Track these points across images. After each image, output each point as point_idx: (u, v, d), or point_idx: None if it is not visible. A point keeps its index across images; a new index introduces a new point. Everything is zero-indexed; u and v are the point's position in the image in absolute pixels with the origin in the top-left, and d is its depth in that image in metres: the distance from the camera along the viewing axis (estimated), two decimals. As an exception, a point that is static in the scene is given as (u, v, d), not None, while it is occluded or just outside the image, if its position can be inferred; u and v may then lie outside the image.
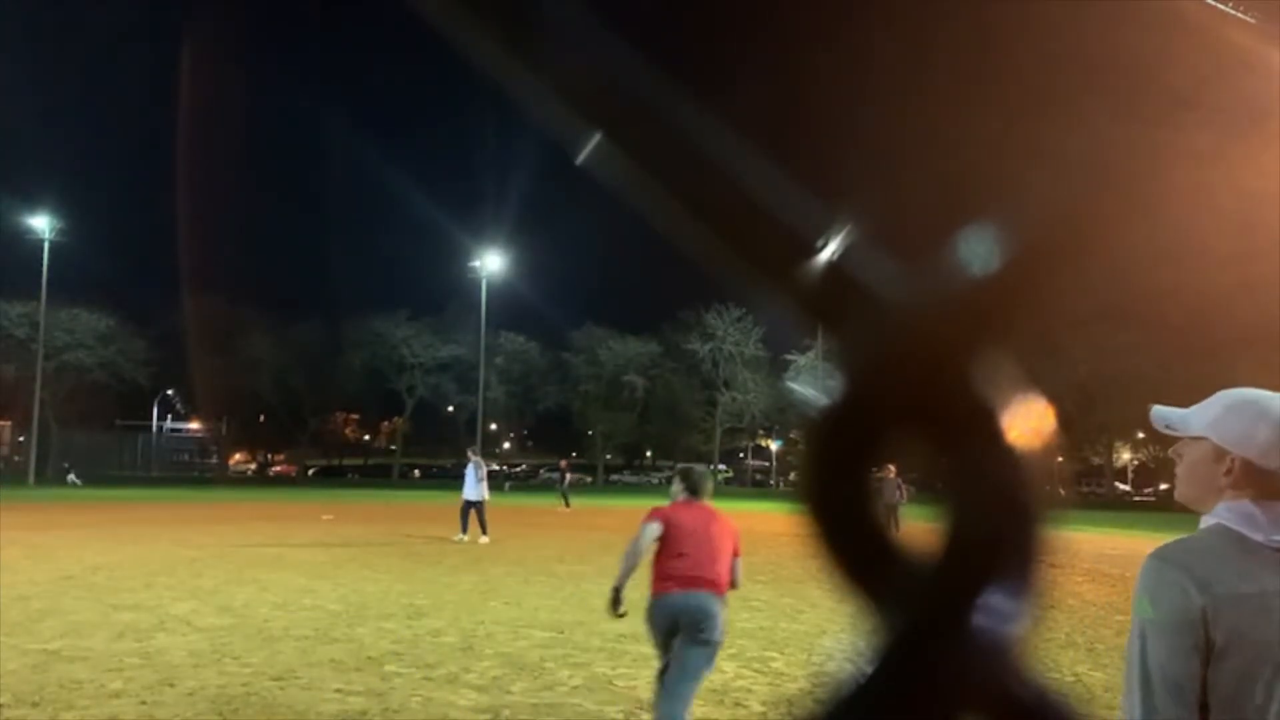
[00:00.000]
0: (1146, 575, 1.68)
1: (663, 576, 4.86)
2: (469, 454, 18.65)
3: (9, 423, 59.69)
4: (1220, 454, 1.68)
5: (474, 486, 17.69)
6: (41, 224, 48.85)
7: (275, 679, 6.73)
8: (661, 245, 0.49)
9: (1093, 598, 12.18)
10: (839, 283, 0.40)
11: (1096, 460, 62.42)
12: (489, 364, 57.60)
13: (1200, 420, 1.73)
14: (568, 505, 30.16)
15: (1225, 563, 1.60)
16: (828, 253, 0.41)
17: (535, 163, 68.07)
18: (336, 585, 11.48)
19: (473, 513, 17.63)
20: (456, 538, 17.51)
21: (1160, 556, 1.67)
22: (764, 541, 18.02)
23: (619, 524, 24.46)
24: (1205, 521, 1.70)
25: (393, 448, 70.13)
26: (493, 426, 71.71)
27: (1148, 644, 1.65)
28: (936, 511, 0.39)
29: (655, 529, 4.92)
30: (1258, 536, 1.61)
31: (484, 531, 17.54)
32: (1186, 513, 1.77)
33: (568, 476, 34.03)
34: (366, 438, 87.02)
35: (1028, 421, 0.39)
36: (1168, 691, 1.60)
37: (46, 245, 48.82)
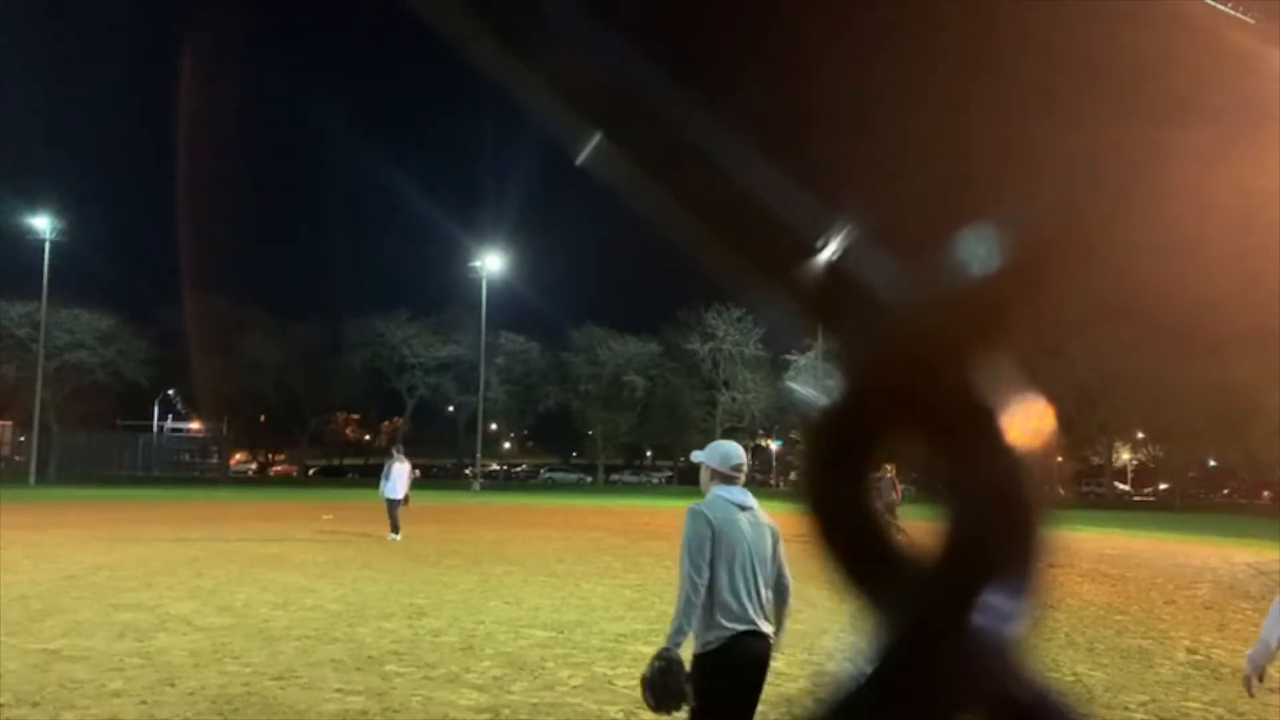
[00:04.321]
0: (690, 514, 3.84)
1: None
2: (394, 451, 18.68)
3: (10, 423, 59.59)
4: (709, 469, 4.03)
5: (392, 484, 17.78)
6: (43, 224, 48.78)
7: (276, 679, 6.73)
8: (661, 245, 0.49)
9: (1093, 598, 12.18)
10: (839, 283, 0.40)
11: (1096, 460, 62.40)
12: (489, 364, 57.54)
13: (701, 455, 4.10)
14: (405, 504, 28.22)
15: (720, 508, 3.86)
16: (828, 253, 0.41)
17: (535, 163, 68.02)
18: (337, 585, 11.48)
19: (391, 508, 17.75)
20: (390, 537, 17.61)
21: (694, 507, 3.87)
22: (764, 541, 17.99)
23: (619, 524, 24.47)
24: (708, 496, 3.95)
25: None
26: (493, 426, 71.67)
27: (689, 539, 3.79)
28: (936, 511, 0.39)
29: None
30: (730, 498, 3.91)
31: (394, 530, 17.62)
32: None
33: (417, 472, 30.83)
34: (367, 438, 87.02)
35: (1027, 421, 0.39)
36: (695, 558, 3.76)
37: (47, 245, 48.78)
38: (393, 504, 17.75)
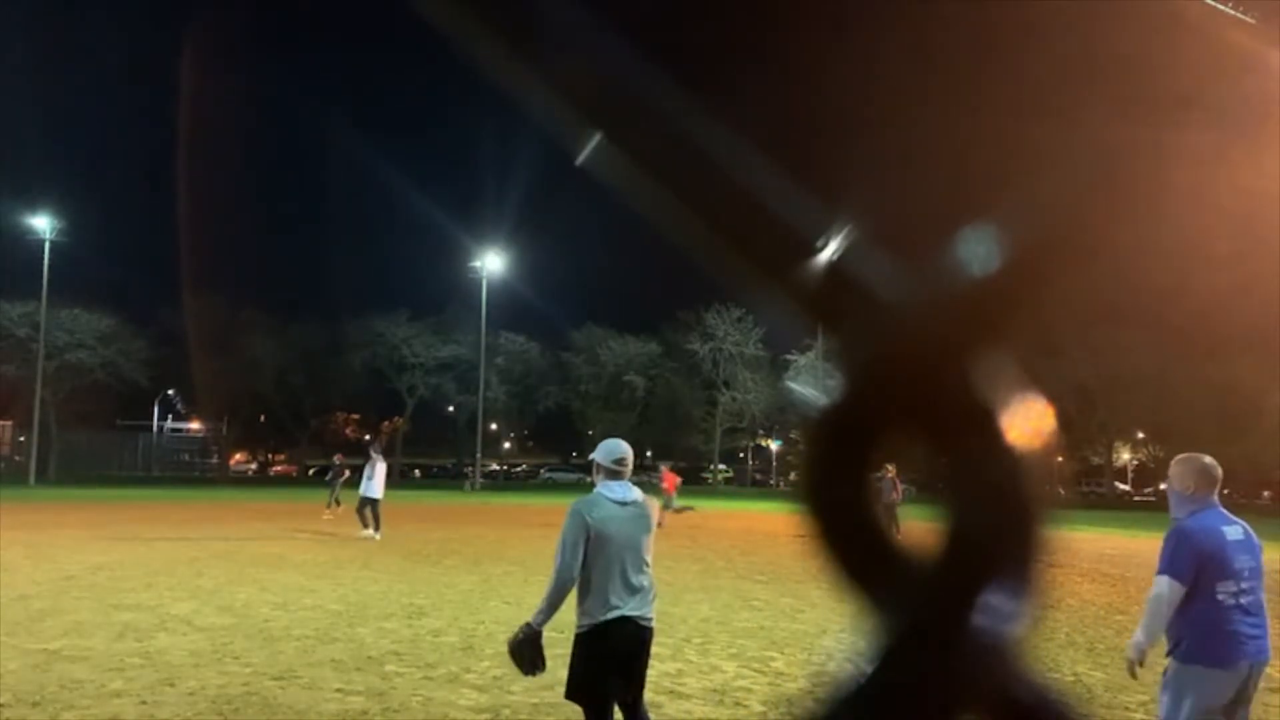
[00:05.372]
0: (570, 512, 4.25)
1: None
2: (370, 451, 18.90)
3: (10, 423, 59.54)
4: (597, 464, 4.41)
5: (368, 483, 18.01)
6: (42, 224, 48.76)
7: (276, 679, 6.73)
8: (661, 245, 0.49)
9: (1093, 598, 12.18)
10: (839, 283, 0.40)
11: (1096, 460, 62.37)
12: (489, 364, 57.51)
13: (596, 454, 4.46)
14: (332, 506, 25.03)
15: (599, 506, 4.25)
16: (828, 253, 0.41)
17: (535, 163, 67.85)
18: (337, 585, 11.48)
19: (370, 508, 17.97)
20: (362, 534, 17.68)
21: (575, 505, 4.28)
22: (764, 541, 18.06)
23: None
24: (592, 491, 4.36)
25: (388, 446, 70.08)
26: (493, 426, 71.63)
27: (565, 534, 4.21)
28: (936, 511, 0.39)
29: None
30: (610, 495, 4.29)
31: (376, 528, 17.78)
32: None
33: (346, 473, 26.49)
34: (367, 438, 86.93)
35: (1027, 421, 0.39)
36: (568, 553, 4.21)
37: (47, 245, 48.76)
38: (373, 503, 17.98)
